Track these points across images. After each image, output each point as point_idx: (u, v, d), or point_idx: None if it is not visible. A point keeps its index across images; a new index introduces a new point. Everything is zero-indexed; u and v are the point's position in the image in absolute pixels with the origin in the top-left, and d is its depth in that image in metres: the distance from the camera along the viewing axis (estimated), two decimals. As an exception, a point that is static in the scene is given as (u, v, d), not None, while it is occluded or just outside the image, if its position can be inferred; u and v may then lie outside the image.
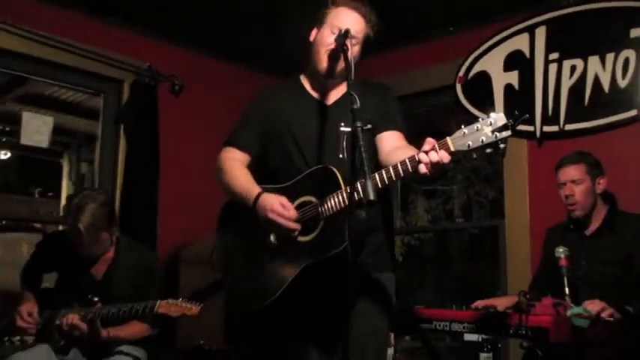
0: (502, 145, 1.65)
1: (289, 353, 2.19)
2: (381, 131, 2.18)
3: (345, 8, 2.20)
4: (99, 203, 2.82)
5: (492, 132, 1.64)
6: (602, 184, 2.89)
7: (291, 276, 2.03)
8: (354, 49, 2.16)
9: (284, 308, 2.12)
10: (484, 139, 1.65)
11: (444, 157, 1.72)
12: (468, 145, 1.68)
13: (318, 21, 2.24)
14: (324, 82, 2.25)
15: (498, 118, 1.64)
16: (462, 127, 1.70)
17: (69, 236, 2.84)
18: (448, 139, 1.73)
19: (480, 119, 1.67)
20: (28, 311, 2.86)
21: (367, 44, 2.25)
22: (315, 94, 2.29)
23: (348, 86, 1.92)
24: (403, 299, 2.29)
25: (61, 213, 3.78)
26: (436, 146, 1.73)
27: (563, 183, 2.91)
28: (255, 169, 2.30)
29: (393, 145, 2.11)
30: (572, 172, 2.88)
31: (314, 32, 2.25)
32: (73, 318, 2.73)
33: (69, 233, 2.83)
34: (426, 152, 1.74)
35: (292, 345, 2.19)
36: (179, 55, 4.29)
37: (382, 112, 2.21)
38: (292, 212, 2.04)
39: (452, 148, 1.71)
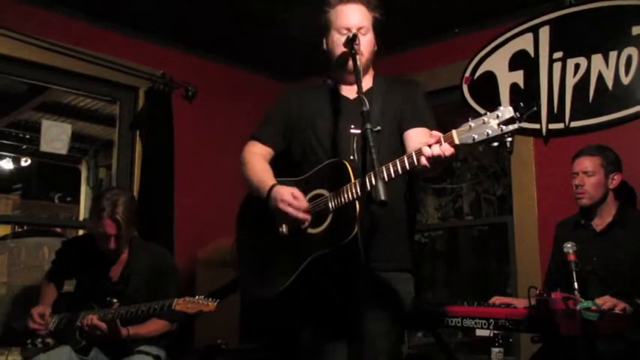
0: (509, 139, 1.58)
1: (305, 345, 2.18)
2: (408, 128, 2.16)
3: (342, 5, 2.17)
4: (128, 198, 2.94)
5: (498, 125, 1.57)
6: (615, 180, 2.89)
7: (299, 267, 2.02)
8: (367, 38, 2.15)
9: (297, 300, 2.15)
10: (490, 132, 1.58)
11: (445, 150, 1.68)
12: (473, 138, 1.62)
13: (323, 28, 2.21)
14: (348, 80, 2.21)
15: (506, 111, 1.58)
16: (469, 120, 1.65)
17: (96, 234, 2.88)
18: (454, 131, 1.68)
19: (488, 112, 1.61)
20: (40, 313, 2.90)
21: (379, 24, 2.21)
22: (342, 92, 2.26)
23: (359, 90, 1.90)
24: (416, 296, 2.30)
25: (82, 216, 3.84)
26: (441, 139, 1.69)
27: (576, 172, 2.91)
28: (282, 164, 2.33)
29: (418, 142, 1.99)
30: (586, 162, 2.89)
31: (324, 41, 2.23)
32: (92, 318, 2.76)
33: (97, 231, 2.87)
34: (430, 145, 1.70)
35: (307, 337, 2.18)
36: (192, 61, 4.35)
37: (408, 108, 2.19)
38: (303, 202, 2.03)
39: (456, 141, 1.66)
